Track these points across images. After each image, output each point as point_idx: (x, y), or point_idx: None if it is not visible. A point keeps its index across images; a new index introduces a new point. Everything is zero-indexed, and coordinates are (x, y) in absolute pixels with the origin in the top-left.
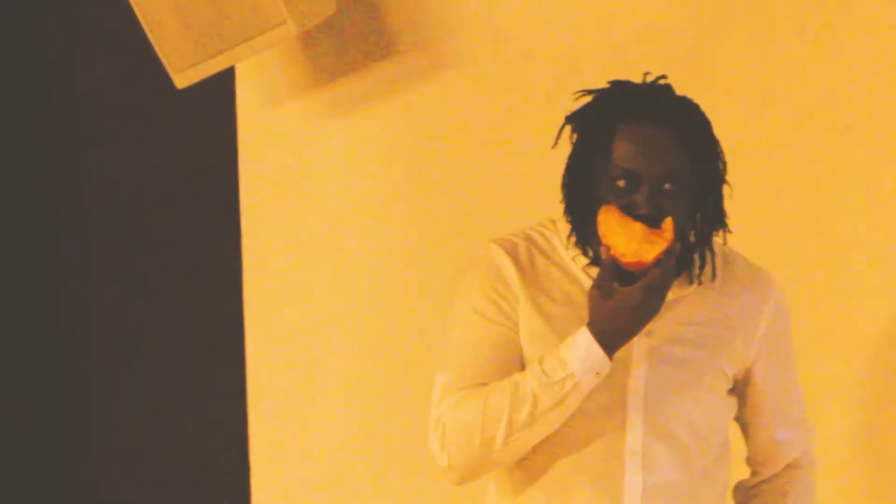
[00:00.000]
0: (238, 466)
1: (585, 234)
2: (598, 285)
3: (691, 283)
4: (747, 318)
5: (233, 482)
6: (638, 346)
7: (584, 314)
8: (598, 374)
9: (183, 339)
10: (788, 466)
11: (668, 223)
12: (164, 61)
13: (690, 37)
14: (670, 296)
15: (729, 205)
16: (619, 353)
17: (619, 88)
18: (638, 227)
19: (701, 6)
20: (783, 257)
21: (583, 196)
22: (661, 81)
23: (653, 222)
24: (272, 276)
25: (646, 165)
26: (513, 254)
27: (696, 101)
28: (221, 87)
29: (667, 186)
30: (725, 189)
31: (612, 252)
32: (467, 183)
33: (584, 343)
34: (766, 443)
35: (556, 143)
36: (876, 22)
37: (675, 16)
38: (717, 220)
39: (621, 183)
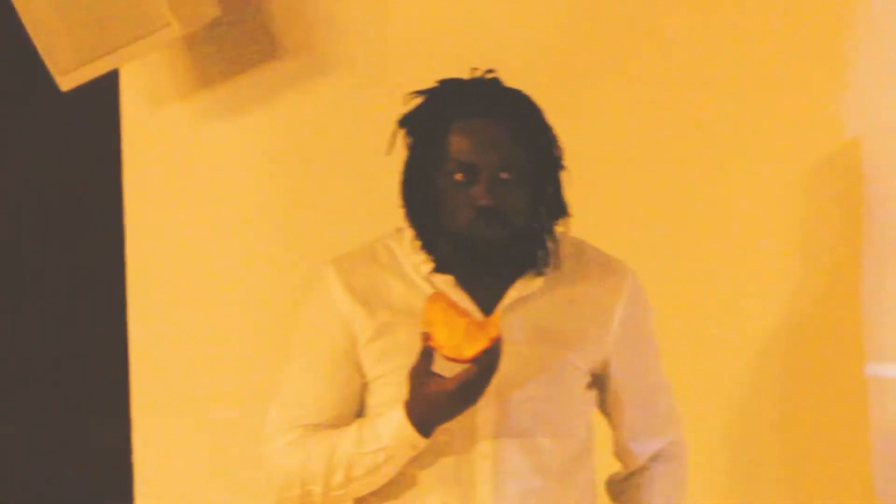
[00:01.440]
0: (121, 476)
1: (428, 239)
2: (414, 372)
3: (537, 276)
4: (600, 311)
5: (116, 492)
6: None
7: None
8: (413, 447)
9: (65, 345)
10: (654, 458)
11: (495, 319)
12: (49, 63)
13: (574, 38)
14: (517, 294)
15: (609, 207)
16: None
17: (449, 85)
18: (461, 322)
19: (583, 7)
20: (661, 257)
21: (422, 198)
22: (490, 76)
23: (494, 214)
24: (156, 279)
25: (481, 156)
26: (349, 277)
27: (574, 101)
28: (106, 90)
29: (504, 176)
30: (581, 179)
31: (431, 343)
32: (355, 184)
33: (397, 421)
34: (630, 435)
35: (389, 149)
36: (749, 25)
37: (559, 18)
38: (558, 209)
39: (459, 177)
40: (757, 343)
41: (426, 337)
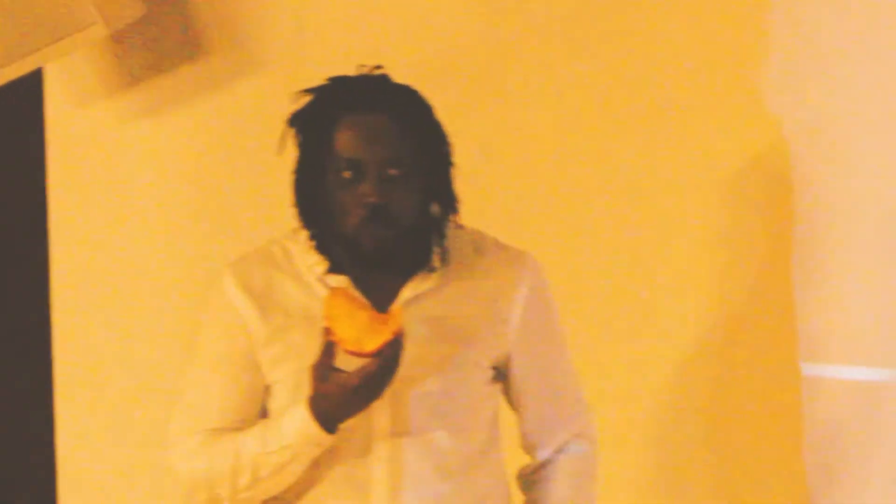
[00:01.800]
0: (45, 474)
1: (321, 239)
2: (316, 367)
3: (431, 272)
4: (499, 305)
5: (40, 490)
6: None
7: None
8: (318, 444)
9: None
10: (561, 450)
11: (396, 312)
12: None
13: (491, 40)
14: (411, 292)
15: (532, 209)
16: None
17: (336, 82)
18: (363, 315)
19: (500, 12)
20: (584, 259)
21: (313, 198)
22: (378, 72)
23: (382, 212)
24: (81, 279)
25: (368, 152)
26: (246, 279)
27: (499, 100)
28: (30, 89)
29: (392, 172)
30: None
31: (332, 337)
32: (278, 184)
33: (300, 418)
34: (536, 428)
35: (280, 149)
36: (651, 28)
37: (477, 17)
38: (450, 205)
39: (347, 174)
40: (683, 344)
41: (327, 331)
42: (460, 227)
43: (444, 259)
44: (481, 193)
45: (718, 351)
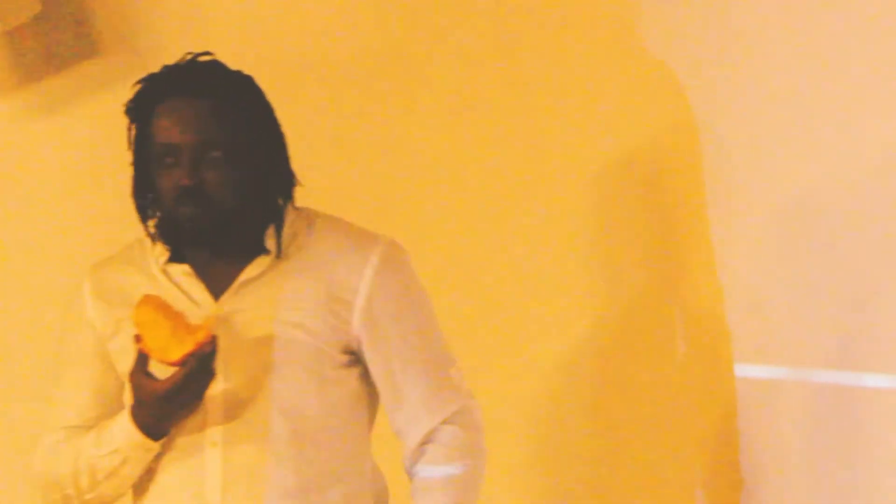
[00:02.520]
0: None
1: (162, 228)
2: (131, 375)
3: (267, 257)
4: (340, 288)
5: None
6: (216, 332)
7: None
8: (146, 450)
9: None
10: (430, 440)
11: (207, 322)
12: None
13: (401, 44)
14: (246, 277)
15: (407, 210)
16: None
17: (160, 71)
18: (167, 325)
19: (411, 15)
20: (472, 260)
21: (146, 186)
22: (205, 58)
23: (196, 195)
24: None
25: (181, 136)
26: (100, 278)
27: (404, 104)
28: None
29: (209, 154)
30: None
31: (140, 345)
32: None
33: (125, 424)
34: (396, 416)
35: (130, 144)
36: (527, 27)
37: (363, 21)
38: (283, 188)
39: (168, 160)
40: (566, 343)
41: (136, 339)
42: (312, 213)
43: (280, 243)
44: (358, 193)
45: (601, 350)
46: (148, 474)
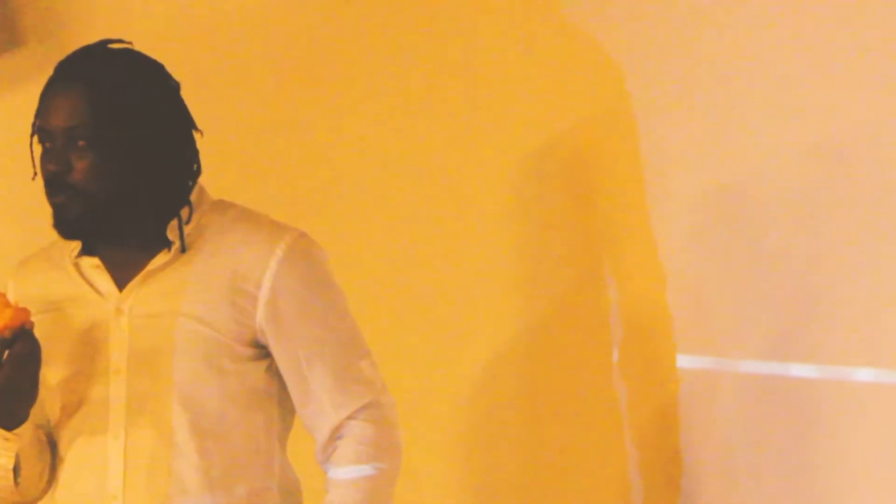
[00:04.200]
0: None
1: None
2: None
3: (175, 247)
4: (241, 279)
5: None
6: (116, 325)
7: (76, 311)
8: (5, 439)
9: None
10: (339, 436)
11: (8, 310)
12: None
13: (321, 31)
14: (150, 267)
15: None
16: (99, 334)
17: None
18: None
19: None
20: (401, 252)
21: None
22: (116, 45)
23: (61, 182)
24: None
25: (49, 120)
26: (22, 279)
27: (325, 93)
28: None
29: (81, 143)
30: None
31: None
32: None
33: None
34: (302, 410)
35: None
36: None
37: (301, 16)
38: (177, 179)
39: (47, 145)
40: (494, 339)
41: None
42: (226, 204)
43: (182, 235)
44: (294, 188)
45: (533, 342)
46: (59, 463)
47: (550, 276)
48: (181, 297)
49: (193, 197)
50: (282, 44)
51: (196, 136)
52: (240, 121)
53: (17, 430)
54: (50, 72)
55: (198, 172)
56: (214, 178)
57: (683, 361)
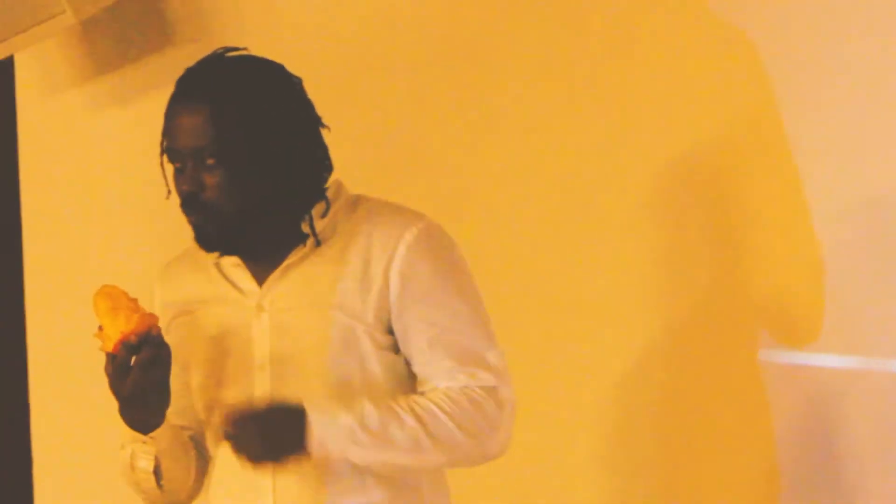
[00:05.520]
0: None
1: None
2: (105, 367)
3: (310, 241)
4: (372, 267)
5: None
6: (258, 322)
7: (217, 310)
8: (143, 442)
9: None
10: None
11: (141, 314)
12: None
13: (461, 32)
14: (287, 262)
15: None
16: (242, 332)
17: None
18: (111, 314)
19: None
20: (536, 256)
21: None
22: (233, 54)
23: (194, 200)
24: (53, 265)
25: (180, 142)
26: (165, 282)
27: (468, 94)
28: (1, 77)
29: (210, 161)
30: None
31: (98, 336)
32: None
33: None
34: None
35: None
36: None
37: (445, 13)
38: (309, 181)
39: (177, 165)
40: (632, 347)
41: (99, 330)
42: (359, 197)
43: (314, 229)
44: (434, 188)
45: (668, 352)
46: (211, 462)
47: (689, 279)
48: (320, 288)
49: (330, 193)
50: (429, 40)
51: (340, 132)
52: (384, 118)
53: (153, 434)
54: None
55: (329, 168)
56: (356, 176)
57: (830, 361)
